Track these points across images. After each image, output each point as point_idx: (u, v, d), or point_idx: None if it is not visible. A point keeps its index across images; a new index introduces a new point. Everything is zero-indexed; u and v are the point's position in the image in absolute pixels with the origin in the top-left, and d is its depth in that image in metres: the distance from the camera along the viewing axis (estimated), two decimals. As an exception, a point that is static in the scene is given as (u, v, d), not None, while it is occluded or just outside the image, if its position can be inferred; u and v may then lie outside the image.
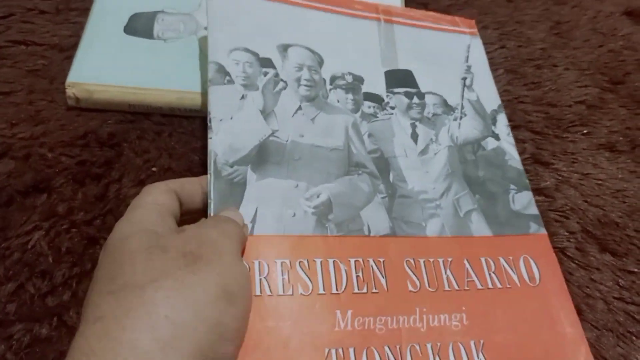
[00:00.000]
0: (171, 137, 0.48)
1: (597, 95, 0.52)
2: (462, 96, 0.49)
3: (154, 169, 0.46)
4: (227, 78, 0.43)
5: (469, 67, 0.51)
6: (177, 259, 0.30)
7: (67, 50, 0.52)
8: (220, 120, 0.41)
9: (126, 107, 0.49)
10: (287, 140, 0.42)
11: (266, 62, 0.45)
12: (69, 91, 0.48)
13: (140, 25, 0.53)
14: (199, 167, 0.46)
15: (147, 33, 0.53)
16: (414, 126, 0.46)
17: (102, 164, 0.46)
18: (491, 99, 0.50)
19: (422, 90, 0.49)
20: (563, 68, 0.54)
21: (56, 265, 0.40)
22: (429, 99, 0.48)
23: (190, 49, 0.53)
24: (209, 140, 0.40)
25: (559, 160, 0.47)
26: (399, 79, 0.49)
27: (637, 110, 0.51)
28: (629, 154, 0.48)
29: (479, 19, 0.54)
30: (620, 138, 0.49)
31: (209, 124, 0.40)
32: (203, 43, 0.52)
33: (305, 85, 0.45)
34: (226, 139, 0.40)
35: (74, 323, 0.38)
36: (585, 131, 0.49)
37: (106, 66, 0.50)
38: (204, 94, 0.48)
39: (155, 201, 0.34)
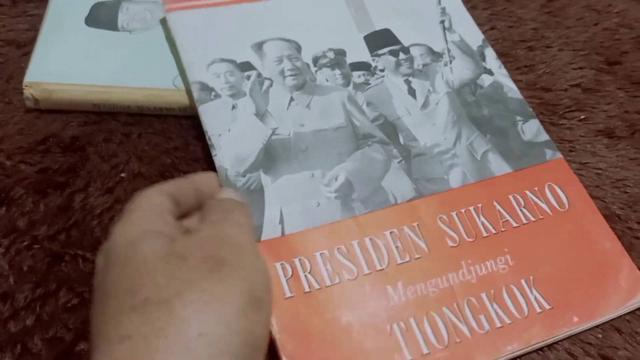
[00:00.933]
0: (140, 139, 0.45)
1: (593, 77, 0.50)
2: (446, 40, 0.49)
3: (122, 174, 0.42)
4: (213, 93, 0.42)
5: (443, 9, 0.50)
6: (199, 267, 0.28)
7: (25, 46, 0.48)
8: (219, 135, 0.40)
9: (90, 107, 0.45)
10: (289, 134, 0.41)
11: (245, 66, 0.44)
12: (27, 92, 0.44)
13: (103, 16, 0.49)
14: (172, 170, 0.43)
15: (111, 24, 0.49)
16: (408, 82, 0.46)
17: (65, 171, 0.42)
18: (474, 35, 0.49)
19: (405, 44, 0.48)
20: (557, 49, 0.52)
21: (18, 286, 0.37)
22: (414, 51, 0.47)
23: (158, 40, 0.48)
24: (214, 158, 0.39)
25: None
26: (380, 40, 0.48)
27: (635, 92, 0.49)
28: (629, 139, 0.46)
29: None
30: (619, 123, 0.47)
31: (209, 142, 0.40)
32: (165, 28, 0.49)
33: (291, 75, 0.44)
34: (230, 152, 0.39)
35: (40, 350, 0.35)
36: (582, 117, 0.47)
37: (66, 63, 0.45)
38: (185, 80, 0.45)
39: (151, 202, 0.32)
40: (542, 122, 0.45)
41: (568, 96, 0.48)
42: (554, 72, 0.50)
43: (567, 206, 0.41)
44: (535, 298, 0.37)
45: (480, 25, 0.50)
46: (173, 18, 0.46)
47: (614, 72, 0.50)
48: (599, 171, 0.44)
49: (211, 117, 0.41)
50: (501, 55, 0.49)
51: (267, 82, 0.43)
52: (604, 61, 0.51)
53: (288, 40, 0.46)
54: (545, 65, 0.50)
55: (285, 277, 0.36)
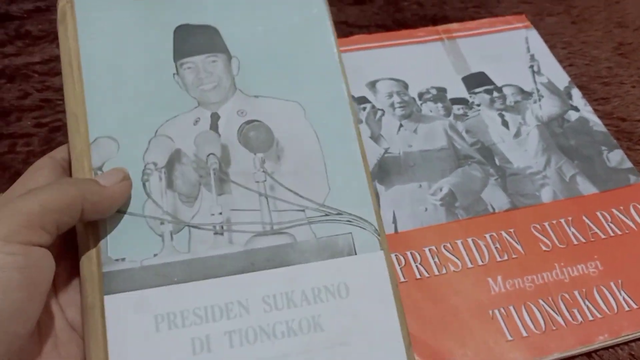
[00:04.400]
0: None
1: None
2: (535, 81, 0.55)
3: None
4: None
5: (532, 56, 0.57)
6: None
7: None
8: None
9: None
10: (399, 153, 0.49)
11: (361, 100, 0.52)
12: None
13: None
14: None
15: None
16: (501, 116, 0.52)
17: None
18: (560, 78, 0.56)
19: (498, 84, 0.55)
20: (630, 85, 0.57)
21: None
22: (506, 91, 0.54)
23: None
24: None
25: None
26: (476, 80, 0.55)
27: None
28: None
29: (546, 39, 0.59)
30: None
31: None
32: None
33: (400, 107, 0.52)
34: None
35: None
36: None
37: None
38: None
39: None
40: (620, 146, 0.50)
41: (642, 126, 0.54)
42: (628, 105, 0.55)
43: (651, 223, 0.46)
44: (624, 298, 0.41)
45: (559, 61, 0.56)
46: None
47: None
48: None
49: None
50: (580, 87, 0.55)
51: (379, 112, 0.51)
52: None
53: (397, 80, 0.54)
54: (619, 99, 0.56)
55: (399, 265, 0.42)
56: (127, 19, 0.36)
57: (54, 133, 0.50)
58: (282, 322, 0.31)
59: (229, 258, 0.33)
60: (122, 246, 0.32)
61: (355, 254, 0.33)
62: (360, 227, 0.34)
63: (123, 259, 0.32)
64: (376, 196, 0.37)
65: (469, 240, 0.44)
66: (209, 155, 0.35)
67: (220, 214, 0.34)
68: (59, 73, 0.53)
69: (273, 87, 0.36)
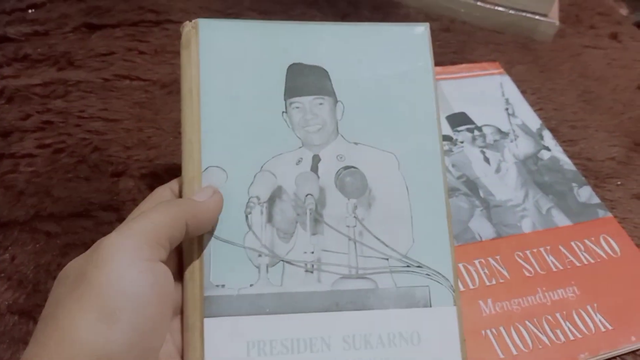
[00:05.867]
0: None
1: (625, 154, 0.61)
2: (510, 122, 0.60)
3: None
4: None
5: (507, 100, 0.63)
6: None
7: (168, 87, 0.57)
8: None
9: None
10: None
11: None
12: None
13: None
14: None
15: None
16: (483, 152, 0.57)
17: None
18: (533, 120, 0.61)
19: (478, 124, 0.59)
20: (594, 130, 0.63)
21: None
22: (486, 130, 0.59)
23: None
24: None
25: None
26: (458, 120, 0.59)
27: None
28: None
29: (517, 85, 0.64)
30: None
31: None
32: None
33: None
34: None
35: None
36: (619, 183, 0.58)
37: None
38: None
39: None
40: (588, 183, 0.56)
41: (606, 166, 0.59)
42: (593, 147, 0.61)
43: (619, 253, 0.50)
44: (600, 320, 0.45)
45: (531, 105, 0.62)
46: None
47: (640, 150, 0.62)
48: (637, 225, 0.54)
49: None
50: (550, 130, 0.60)
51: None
52: (632, 142, 0.62)
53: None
54: (585, 141, 0.61)
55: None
56: (247, 50, 0.38)
57: (58, 154, 0.50)
58: None
59: (317, 296, 0.35)
60: (223, 273, 0.34)
61: (431, 307, 0.36)
62: (438, 281, 0.37)
63: (223, 286, 0.34)
64: (454, 253, 0.38)
65: (460, 265, 0.47)
66: (307, 195, 0.37)
67: (312, 252, 0.36)
68: (60, 96, 0.55)
69: (372, 135, 0.38)
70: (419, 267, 0.37)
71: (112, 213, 0.47)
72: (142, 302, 0.28)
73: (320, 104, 0.38)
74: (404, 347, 0.35)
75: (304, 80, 0.38)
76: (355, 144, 0.38)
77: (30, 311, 0.41)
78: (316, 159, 0.38)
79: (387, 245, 0.37)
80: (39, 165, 0.49)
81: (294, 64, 0.39)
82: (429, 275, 0.37)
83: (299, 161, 0.37)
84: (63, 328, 0.27)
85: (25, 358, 0.27)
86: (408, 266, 0.37)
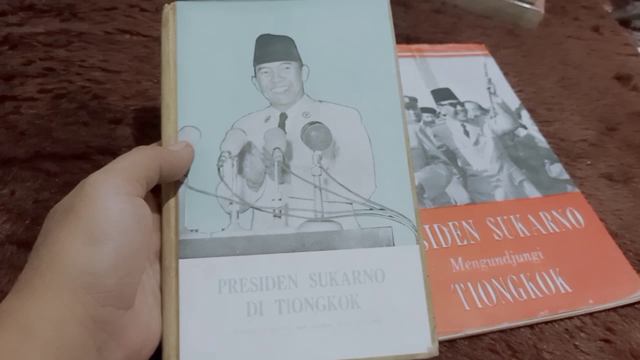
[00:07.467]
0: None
1: (597, 137, 0.65)
2: (491, 101, 0.64)
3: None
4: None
5: (489, 80, 0.66)
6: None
7: None
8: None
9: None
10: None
11: None
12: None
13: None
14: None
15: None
16: (463, 126, 0.60)
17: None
18: (512, 100, 0.64)
19: (461, 100, 0.63)
20: (569, 113, 0.67)
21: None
22: (468, 106, 0.62)
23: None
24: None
25: (570, 183, 0.59)
26: (442, 94, 0.63)
27: (628, 152, 0.64)
28: (623, 183, 0.61)
29: (501, 67, 0.68)
30: (615, 171, 0.62)
31: None
32: None
33: None
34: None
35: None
36: (588, 162, 0.62)
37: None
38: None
39: None
40: (559, 161, 0.59)
41: (578, 147, 0.63)
42: (567, 129, 0.64)
43: (583, 224, 0.54)
44: (561, 283, 0.49)
45: (512, 87, 0.65)
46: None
47: (611, 135, 0.65)
48: (601, 201, 0.57)
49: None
50: (528, 110, 0.64)
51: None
52: (604, 127, 0.66)
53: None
54: (560, 123, 0.65)
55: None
56: (219, 27, 0.42)
57: (59, 99, 0.52)
58: (325, 297, 0.37)
59: (284, 238, 0.38)
60: (196, 219, 0.37)
61: (394, 245, 0.39)
62: (400, 222, 0.39)
63: (197, 230, 0.37)
64: (417, 197, 0.41)
65: (435, 225, 0.50)
66: (275, 149, 0.40)
67: (280, 199, 0.39)
68: (62, 45, 0.56)
69: (336, 94, 0.42)
70: (381, 209, 0.40)
71: (109, 157, 0.49)
72: (124, 228, 0.31)
73: (287, 68, 0.42)
74: (369, 284, 0.38)
75: (272, 48, 0.42)
76: (320, 102, 0.42)
77: (28, 242, 0.44)
78: (283, 117, 0.41)
79: (350, 191, 0.40)
80: (40, 109, 0.51)
81: (262, 35, 0.42)
82: (391, 217, 0.40)
83: (267, 119, 0.40)
84: (54, 252, 0.30)
85: (20, 280, 0.30)
86: (371, 209, 0.39)
